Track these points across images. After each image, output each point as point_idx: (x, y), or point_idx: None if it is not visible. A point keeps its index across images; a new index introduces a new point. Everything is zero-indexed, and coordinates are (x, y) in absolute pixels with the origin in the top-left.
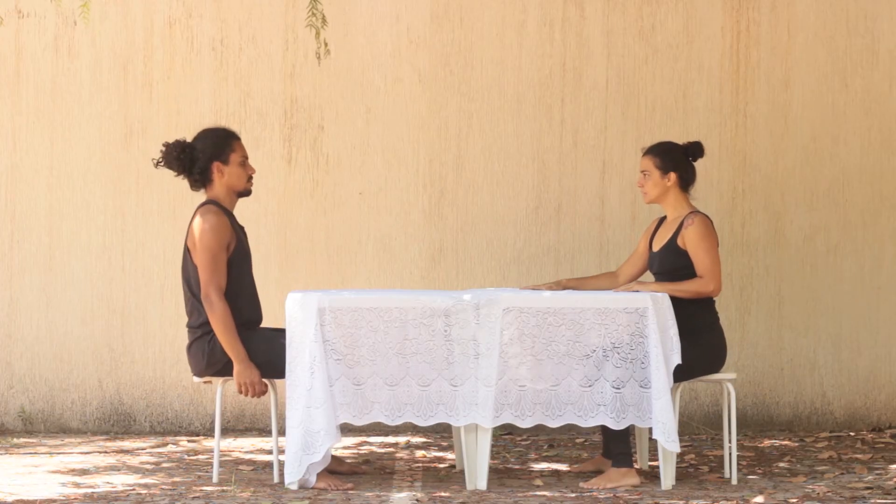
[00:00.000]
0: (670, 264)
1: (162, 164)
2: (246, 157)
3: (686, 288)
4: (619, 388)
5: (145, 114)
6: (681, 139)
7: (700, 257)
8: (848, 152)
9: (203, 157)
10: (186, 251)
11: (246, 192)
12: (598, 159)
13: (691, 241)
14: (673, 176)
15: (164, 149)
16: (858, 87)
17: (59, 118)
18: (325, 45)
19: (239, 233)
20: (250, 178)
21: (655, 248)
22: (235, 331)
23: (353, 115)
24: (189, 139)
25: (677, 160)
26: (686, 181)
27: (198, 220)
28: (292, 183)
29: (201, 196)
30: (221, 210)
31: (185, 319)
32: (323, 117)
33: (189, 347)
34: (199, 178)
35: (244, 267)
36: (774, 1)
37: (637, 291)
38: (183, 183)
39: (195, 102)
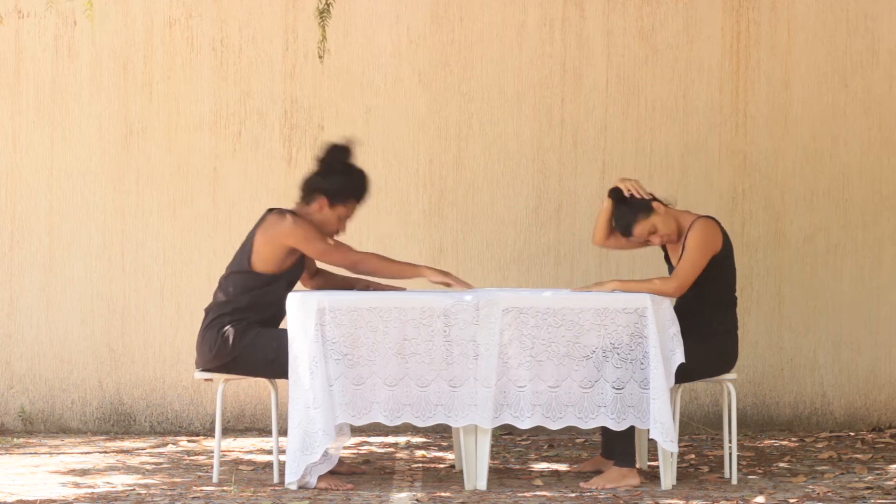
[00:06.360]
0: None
1: (322, 150)
2: (349, 218)
3: (647, 287)
4: (619, 389)
5: (145, 114)
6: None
7: (683, 258)
8: (848, 152)
9: (322, 183)
10: (247, 248)
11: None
12: (598, 159)
13: (687, 242)
14: (654, 206)
15: (345, 145)
16: (858, 87)
17: (59, 118)
18: (324, 37)
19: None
20: (336, 233)
21: (674, 262)
22: (391, 260)
23: (353, 115)
24: (355, 164)
25: (635, 202)
26: (653, 197)
27: (275, 220)
28: (292, 183)
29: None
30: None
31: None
32: (323, 117)
33: (202, 336)
34: (305, 192)
35: (298, 276)
36: (774, 1)
37: (594, 291)
38: (183, 183)
39: (195, 102)
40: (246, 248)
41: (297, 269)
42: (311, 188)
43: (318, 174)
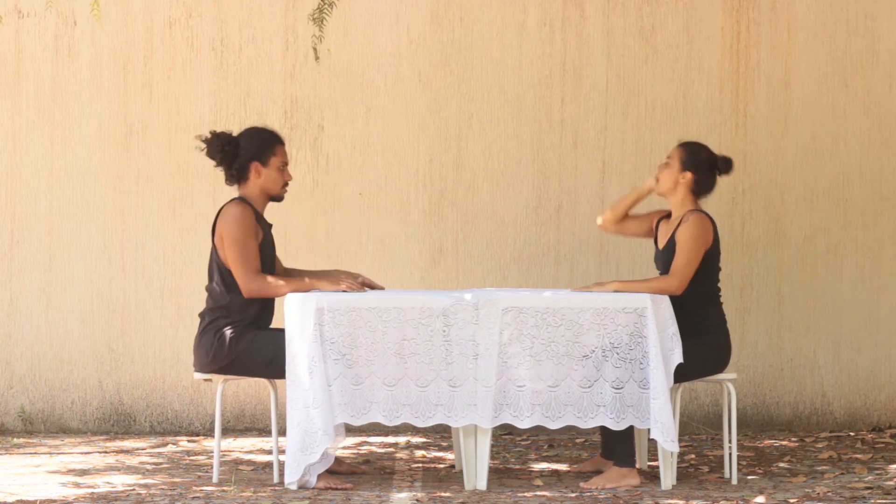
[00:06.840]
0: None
1: (204, 151)
2: (286, 163)
3: (647, 287)
4: (618, 389)
5: (145, 114)
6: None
7: (677, 254)
8: (848, 152)
9: (244, 154)
10: (213, 248)
11: (278, 198)
12: (598, 159)
13: (679, 237)
14: (689, 175)
15: (209, 136)
16: (858, 87)
17: (59, 118)
18: (318, 35)
19: (266, 229)
20: (286, 184)
21: (660, 245)
22: (290, 280)
23: (353, 115)
24: (234, 133)
25: (700, 163)
26: (700, 186)
27: (222, 214)
28: (292, 183)
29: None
30: (247, 205)
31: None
32: (323, 117)
33: (198, 340)
34: (236, 175)
35: (267, 262)
36: (774, 1)
37: (595, 292)
38: (183, 183)
39: (195, 102)
40: (213, 245)
41: (262, 245)
42: (238, 169)
43: (231, 158)
